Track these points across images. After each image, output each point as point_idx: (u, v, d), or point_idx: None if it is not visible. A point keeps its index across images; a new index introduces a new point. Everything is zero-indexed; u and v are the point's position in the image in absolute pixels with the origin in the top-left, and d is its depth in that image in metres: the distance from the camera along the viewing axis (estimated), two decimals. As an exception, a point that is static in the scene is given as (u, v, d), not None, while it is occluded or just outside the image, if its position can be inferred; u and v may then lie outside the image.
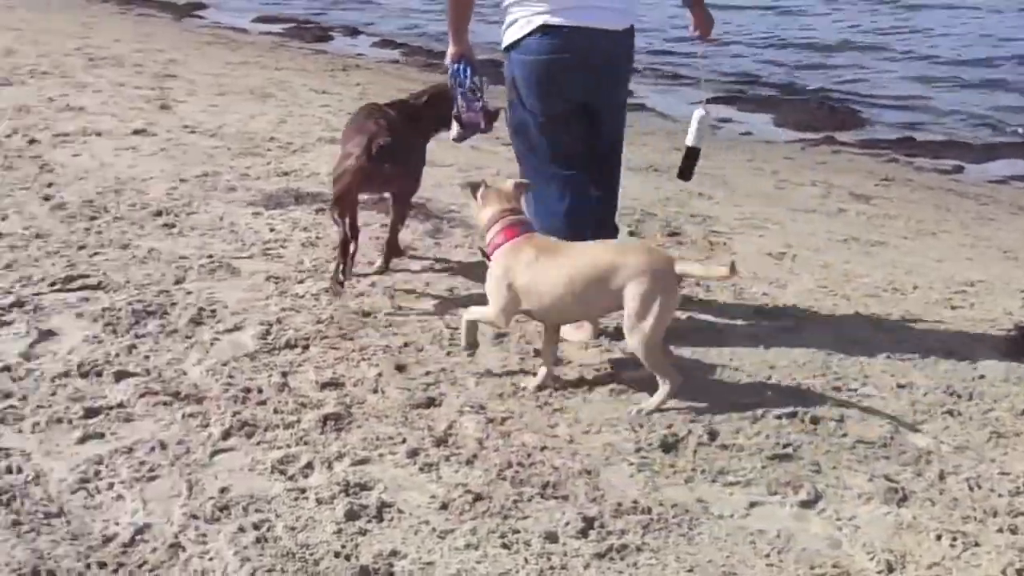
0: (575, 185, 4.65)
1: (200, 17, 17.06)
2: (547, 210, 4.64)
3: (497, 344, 4.55)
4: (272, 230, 5.85)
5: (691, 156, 4.91)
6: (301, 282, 5.11)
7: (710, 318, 4.95)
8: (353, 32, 16.10)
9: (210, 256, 5.37)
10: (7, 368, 4.01)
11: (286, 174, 7.03)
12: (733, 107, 11.97)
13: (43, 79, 9.79)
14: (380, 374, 4.19)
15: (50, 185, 6.46)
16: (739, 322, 4.94)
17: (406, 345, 4.49)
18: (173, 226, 5.84)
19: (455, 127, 4.86)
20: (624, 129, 4.89)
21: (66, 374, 3.99)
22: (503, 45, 4.59)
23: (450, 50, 4.71)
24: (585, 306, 4.13)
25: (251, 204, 6.30)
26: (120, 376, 4.01)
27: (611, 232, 4.76)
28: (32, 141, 7.47)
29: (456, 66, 4.69)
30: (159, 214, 6.02)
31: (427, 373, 4.25)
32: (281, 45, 14.64)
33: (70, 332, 4.39)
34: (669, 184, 7.76)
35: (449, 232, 6.03)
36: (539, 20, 4.42)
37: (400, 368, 4.27)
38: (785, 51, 14.69)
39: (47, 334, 4.36)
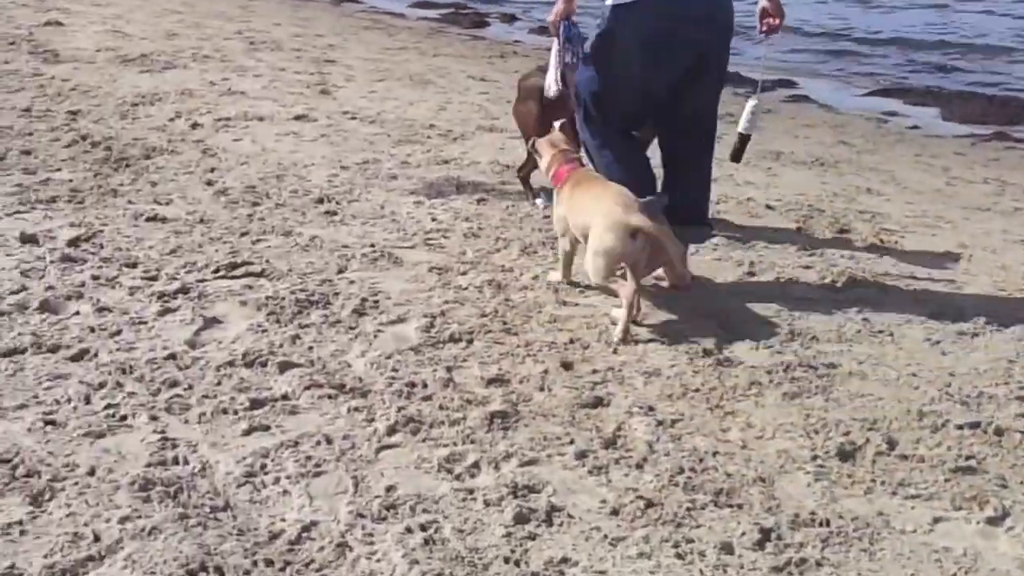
0: (632, 145, 5.02)
1: (358, 1, 17.25)
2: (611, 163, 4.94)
3: (664, 342, 4.42)
4: (434, 219, 5.83)
5: (742, 142, 5.22)
6: (464, 274, 5.07)
7: (885, 321, 4.73)
8: (511, 19, 16.10)
9: (372, 245, 5.37)
10: (173, 356, 4.04)
11: (446, 162, 7.01)
12: (899, 100, 11.57)
13: (205, 63, 10.01)
14: (546, 371, 4.11)
15: (213, 170, 6.56)
16: (915, 326, 4.71)
17: (571, 342, 4.39)
18: (335, 213, 5.87)
19: (555, 83, 5.15)
20: (717, 105, 5.04)
21: (231, 363, 4.01)
22: (610, 2, 4.72)
23: (558, 6, 4.94)
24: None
25: (412, 193, 6.30)
26: (285, 367, 4.00)
27: (698, 224, 5.01)
28: (195, 125, 7.62)
29: (566, 23, 4.96)
30: (320, 201, 6.05)
31: (594, 371, 4.15)
32: (439, 31, 14.70)
33: (234, 320, 4.42)
34: (836, 179, 7.52)
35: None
36: None
37: (566, 365, 4.18)
38: (946, 45, 14.08)
39: (212, 322, 4.39)
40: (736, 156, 5.27)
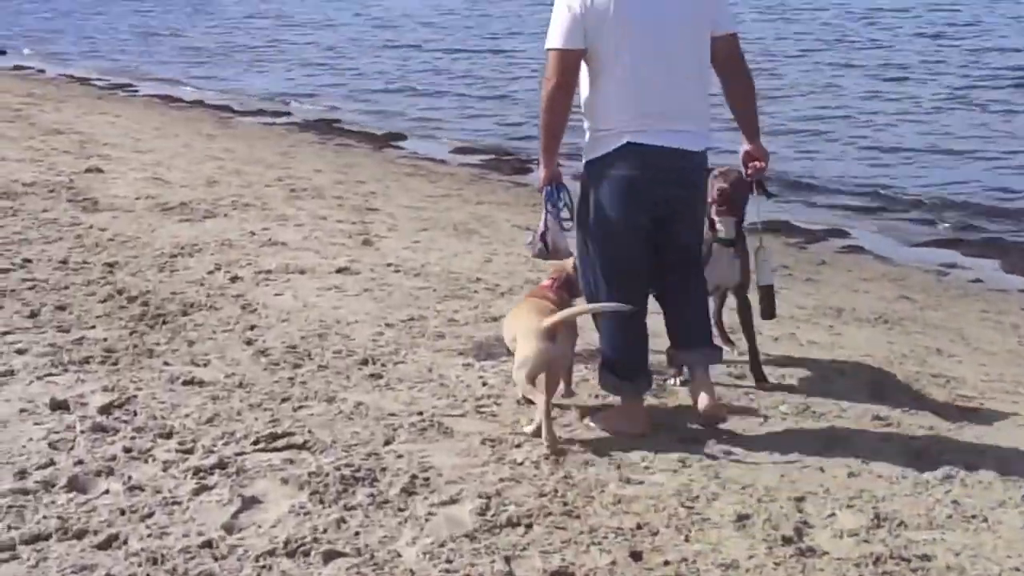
0: (631, 314, 4.99)
1: (399, 147, 17.25)
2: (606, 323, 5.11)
3: (740, 527, 4.12)
4: (484, 384, 5.59)
5: (767, 295, 5.51)
6: (519, 446, 4.81)
7: (977, 504, 4.39)
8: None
9: (420, 413, 5.13)
10: (209, 544, 3.78)
11: (495, 319, 6.78)
12: (956, 251, 11.29)
13: (245, 211, 9.93)
14: (614, 562, 3.82)
15: (252, 328, 6.39)
16: (1010, 510, 4.36)
17: (639, 527, 4.10)
18: (380, 376, 5.65)
19: (538, 243, 5.20)
20: (699, 247, 5.34)
21: (271, 552, 3.74)
22: (584, 160, 5.01)
23: (541, 173, 5.09)
24: None
25: (460, 353, 6.08)
26: (330, 557, 3.73)
27: (704, 344, 5.22)
28: (235, 279, 7.47)
29: (549, 188, 5.07)
30: (365, 363, 5.84)
31: (666, 563, 3.85)
32: (481, 177, 14.64)
33: (275, 500, 4.16)
34: (902, 338, 7.24)
35: (673, 390, 5.63)
36: (625, 138, 4.82)
37: (635, 556, 3.88)
38: (1003, 192, 13.84)
39: (251, 502, 4.13)
40: (768, 311, 5.52)
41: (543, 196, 5.12)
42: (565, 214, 5.16)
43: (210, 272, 7.64)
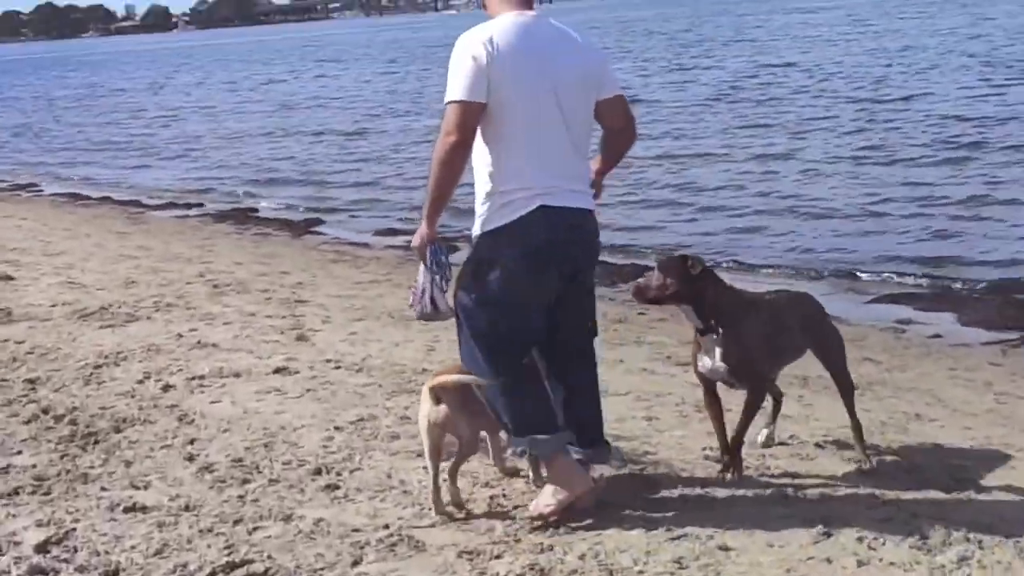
0: (528, 375, 4.96)
1: (319, 233, 16.95)
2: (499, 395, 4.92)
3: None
4: (450, 487, 5.27)
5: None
6: (498, 557, 4.50)
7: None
8: (477, 241, 15.76)
9: (386, 527, 4.81)
10: None
11: (449, 414, 6.49)
12: (909, 306, 11.24)
13: (169, 312, 9.55)
14: None
15: (192, 441, 6.03)
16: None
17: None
18: (337, 487, 5.32)
19: (422, 306, 4.97)
20: (592, 323, 5.18)
21: None
22: (488, 227, 4.80)
23: (423, 231, 4.85)
24: None
25: (419, 455, 5.73)
26: None
27: (595, 440, 5.11)
28: (167, 387, 7.10)
29: (433, 247, 4.87)
30: (319, 472, 5.51)
31: None
32: (407, 259, 14.31)
33: (242, 643, 3.80)
34: (876, 404, 7.09)
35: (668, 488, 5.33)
36: (537, 202, 4.70)
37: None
38: (943, 239, 13.93)
39: (215, 645, 3.77)
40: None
41: (427, 255, 4.88)
42: (447, 276, 4.98)
43: (139, 382, 7.26)
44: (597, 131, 5.12)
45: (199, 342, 8.32)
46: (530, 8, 4.91)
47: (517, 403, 4.91)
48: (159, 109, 42.47)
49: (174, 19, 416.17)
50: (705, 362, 5.29)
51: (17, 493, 5.24)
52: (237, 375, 7.39)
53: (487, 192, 4.81)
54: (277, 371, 7.48)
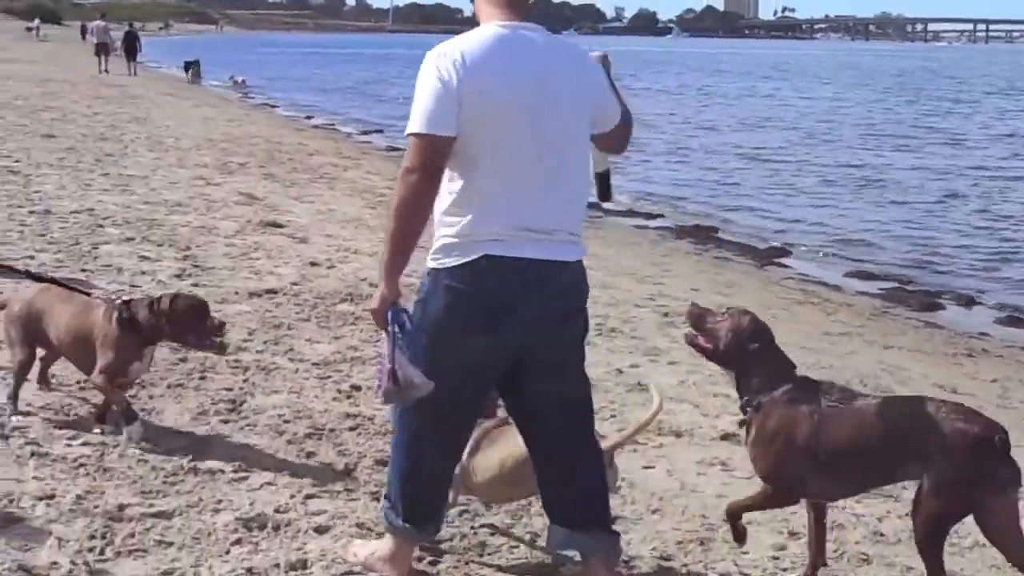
0: (432, 456, 4.33)
1: (784, 266, 15.72)
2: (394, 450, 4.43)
3: None
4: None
5: (602, 180, 4.71)
6: None
7: None
8: (968, 302, 13.95)
9: None
10: None
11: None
12: None
13: (611, 338, 8.91)
14: None
15: (614, 520, 5.11)
16: None
17: None
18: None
19: (385, 384, 4.03)
20: (588, 391, 4.44)
21: None
22: (431, 263, 4.10)
23: (381, 291, 4.03)
24: None
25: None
26: None
27: (599, 527, 4.41)
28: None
29: (393, 311, 4.01)
30: None
31: None
32: (883, 312, 12.92)
33: None
34: None
35: None
36: (482, 249, 3.96)
37: None
38: None
39: None
40: (604, 196, 4.73)
41: (386, 320, 4.03)
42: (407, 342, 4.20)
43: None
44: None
45: (639, 383, 7.42)
46: (518, 16, 4.12)
47: (411, 472, 4.33)
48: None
49: (660, 24, 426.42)
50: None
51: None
52: (678, 435, 6.46)
53: (438, 221, 4.08)
54: (724, 437, 6.46)
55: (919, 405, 4.36)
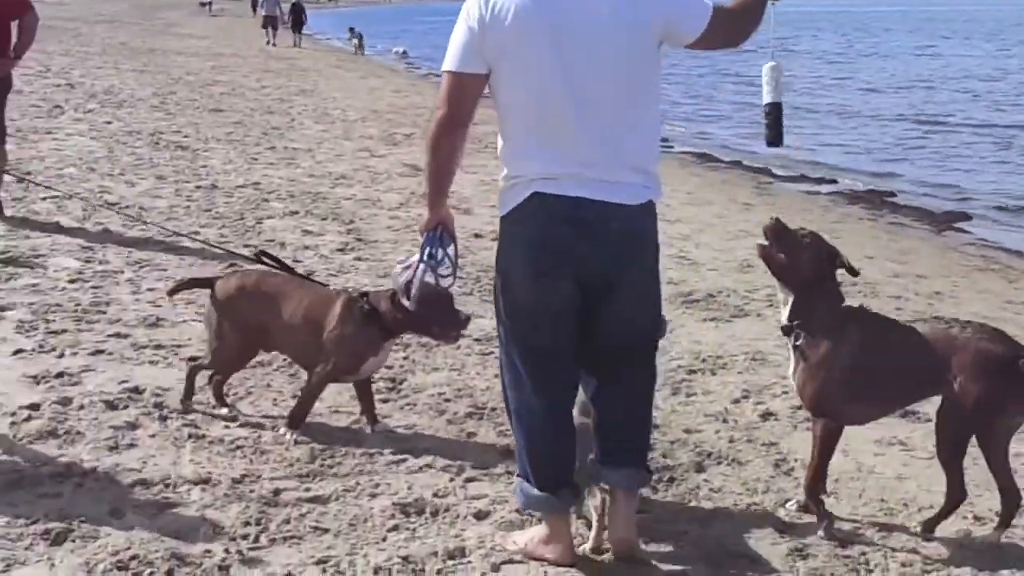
0: (544, 409, 4.24)
1: (962, 231, 15.00)
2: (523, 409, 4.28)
3: None
4: None
5: (774, 115, 4.43)
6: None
7: None
8: None
9: None
10: None
11: None
12: None
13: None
14: None
15: (785, 502, 4.89)
16: None
17: None
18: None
19: (402, 288, 4.78)
20: (655, 331, 4.40)
21: None
22: (501, 212, 4.17)
23: (427, 215, 4.33)
24: None
25: None
26: None
27: (630, 464, 4.34)
28: (767, 415, 6.10)
29: (431, 234, 4.36)
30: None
31: None
32: (1074, 280, 12.24)
33: None
34: None
35: None
36: (532, 187, 4.00)
37: None
38: None
39: None
40: (775, 138, 4.46)
41: (423, 240, 4.40)
42: (445, 269, 4.51)
43: (736, 401, 6.22)
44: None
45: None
46: None
47: (534, 439, 4.27)
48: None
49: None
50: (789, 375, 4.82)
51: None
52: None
53: (502, 174, 4.17)
54: (904, 415, 6.10)
55: (944, 327, 4.64)
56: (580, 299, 4.11)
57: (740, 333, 7.67)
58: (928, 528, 4.67)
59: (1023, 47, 48.37)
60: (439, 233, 4.34)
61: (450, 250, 4.43)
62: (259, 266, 5.74)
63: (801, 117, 27.20)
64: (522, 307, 4.14)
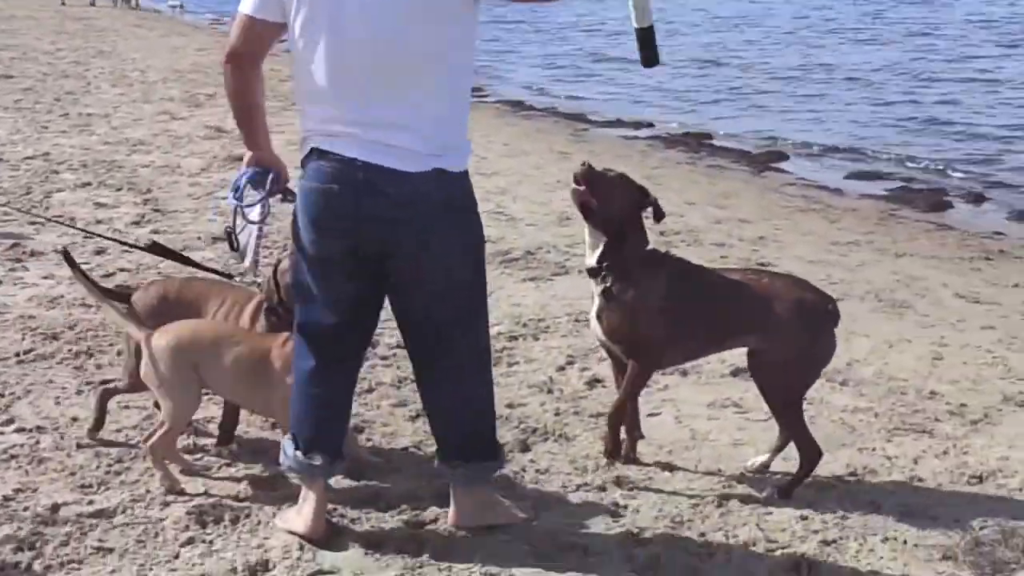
0: (323, 350, 4.02)
1: (782, 171, 14.99)
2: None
3: None
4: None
5: (645, 38, 3.99)
6: None
7: None
8: (977, 199, 13.26)
9: None
10: None
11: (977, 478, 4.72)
12: None
13: None
14: None
15: (618, 482, 4.60)
16: None
17: None
18: None
19: (250, 255, 4.30)
20: (469, 316, 4.02)
21: None
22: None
23: (245, 156, 4.15)
24: None
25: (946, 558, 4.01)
26: None
27: (478, 451, 4.13)
28: (593, 382, 5.80)
29: (244, 174, 4.11)
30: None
31: None
32: (889, 215, 12.27)
33: None
34: None
35: None
36: (312, 143, 3.83)
37: None
38: None
39: None
40: (649, 58, 4.00)
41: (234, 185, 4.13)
42: (255, 215, 4.20)
43: (560, 369, 5.90)
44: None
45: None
46: None
47: (299, 398, 4.09)
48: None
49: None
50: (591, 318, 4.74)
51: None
52: (684, 373, 5.86)
53: None
54: (735, 373, 5.86)
55: (755, 276, 4.78)
56: (356, 264, 3.87)
57: (562, 292, 7.34)
58: (785, 494, 4.49)
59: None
60: (253, 172, 4.08)
61: (259, 189, 4.11)
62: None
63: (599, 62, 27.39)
64: (311, 258, 3.90)
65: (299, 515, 4.08)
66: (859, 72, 25.01)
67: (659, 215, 4.70)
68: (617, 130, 18.33)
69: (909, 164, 15.29)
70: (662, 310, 4.55)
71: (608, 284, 4.60)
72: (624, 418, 4.75)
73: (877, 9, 44.29)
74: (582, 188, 4.62)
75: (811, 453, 4.53)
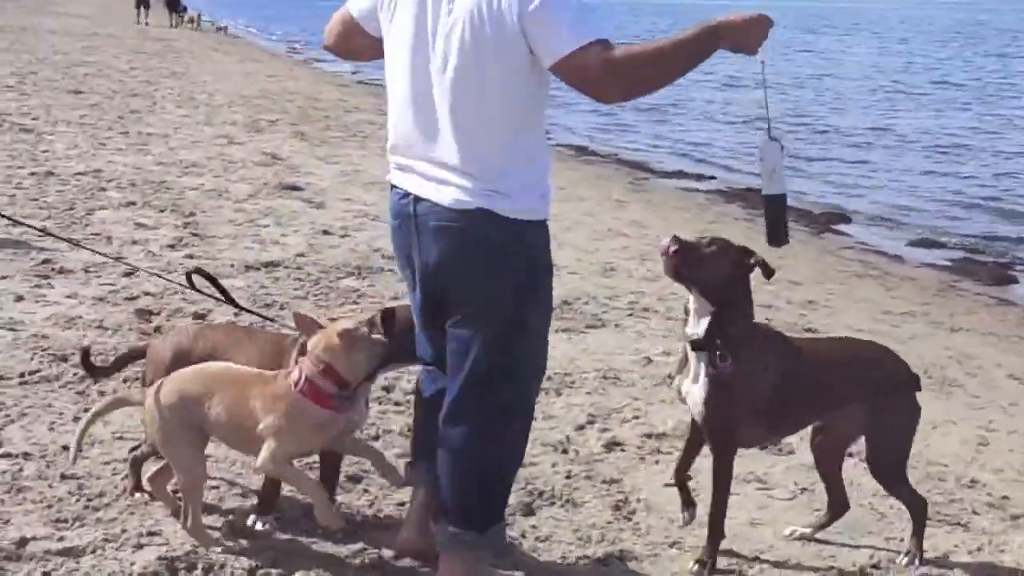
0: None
1: (842, 233, 14.60)
2: None
3: None
4: None
5: (774, 208, 3.79)
6: None
7: None
8: (1041, 274, 12.82)
9: None
10: None
11: None
12: None
13: (644, 319, 8.01)
14: None
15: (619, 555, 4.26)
16: None
17: None
18: None
19: None
20: (514, 367, 3.67)
21: None
22: None
23: None
24: None
25: None
26: None
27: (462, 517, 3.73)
28: (611, 445, 5.51)
29: None
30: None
31: None
32: (950, 286, 11.83)
33: None
34: None
35: None
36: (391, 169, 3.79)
37: None
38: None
39: None
40: (775, 236, 3.81)
41: None
42: None
43: (579, 428, 5.60)
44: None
45: (668, 376, 6.51)
46: None
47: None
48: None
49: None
50: (689, 386, 4.22)
51: None
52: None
53: None
54: (763, 447, 5.52)
55: (853, 346, 4.75)
56: (423, 295, 3.78)
57: (594, 346, 7.05)
58: (919, 557, 4.45)
59: (902, 45, 48.59)
60: None
61: None
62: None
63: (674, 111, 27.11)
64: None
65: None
66: (929, 138, 24.51)
67: (768, 272, 4.29)
68: (678, 181, 18.04)
69: (976, 236, 14.78)
70: (771, 400, 4.22)
71: (722, 363, 4.11)
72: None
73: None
74: (673, 257, 4.13)
75: (920, 506, 4.51)
